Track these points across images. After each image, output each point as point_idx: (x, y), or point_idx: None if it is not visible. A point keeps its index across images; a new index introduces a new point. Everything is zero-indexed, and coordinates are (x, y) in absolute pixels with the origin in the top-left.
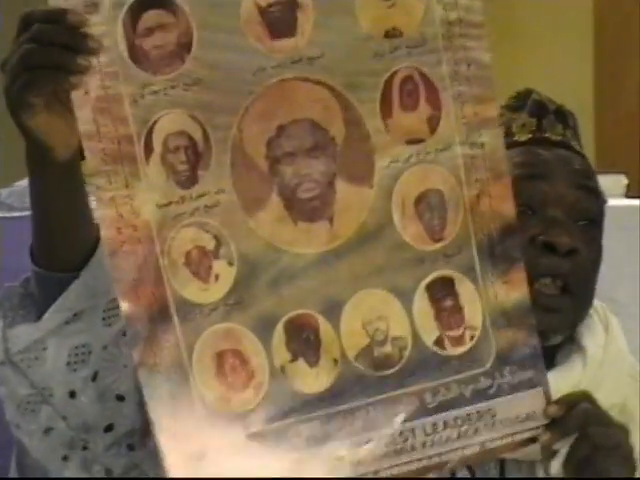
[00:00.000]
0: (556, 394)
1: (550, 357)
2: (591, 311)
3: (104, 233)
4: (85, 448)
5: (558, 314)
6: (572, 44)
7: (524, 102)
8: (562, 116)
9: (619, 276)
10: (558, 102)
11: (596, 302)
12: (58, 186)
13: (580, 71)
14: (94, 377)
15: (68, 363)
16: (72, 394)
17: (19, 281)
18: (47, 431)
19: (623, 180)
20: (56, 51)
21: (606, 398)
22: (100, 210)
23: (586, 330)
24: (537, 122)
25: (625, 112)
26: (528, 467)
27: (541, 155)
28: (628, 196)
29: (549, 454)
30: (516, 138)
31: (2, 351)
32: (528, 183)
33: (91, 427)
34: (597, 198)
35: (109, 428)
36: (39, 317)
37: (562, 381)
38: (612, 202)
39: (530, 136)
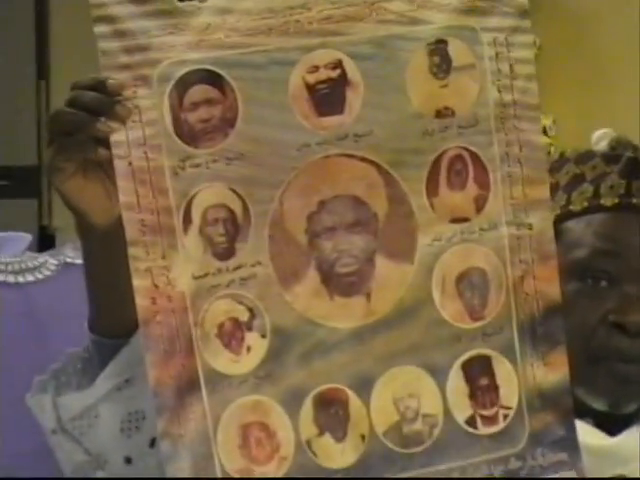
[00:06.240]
0: (622, 461)
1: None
2: None
3: (138, 302)
4: None
5: (632, 384)
6: None
7: (618, 158)
8: None
9: None
10: None
11: None
12: (100, 252)
13: None
14: (151, 444)
15: (122, 429)
16: (128, 460)
17: (82, 346)
18: None
19: None
20: (80, 115)
21: None
22: (136, 280)
23: None
24: (627, 185)
25: None
26: None
27: (624, 226)
28: None
29: None
30: (602, 202)
31: (54, 419)
32: (606, 255)
33: None
34: None
35: None
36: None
37: (628, 447)
38: None
39: (617, 201)
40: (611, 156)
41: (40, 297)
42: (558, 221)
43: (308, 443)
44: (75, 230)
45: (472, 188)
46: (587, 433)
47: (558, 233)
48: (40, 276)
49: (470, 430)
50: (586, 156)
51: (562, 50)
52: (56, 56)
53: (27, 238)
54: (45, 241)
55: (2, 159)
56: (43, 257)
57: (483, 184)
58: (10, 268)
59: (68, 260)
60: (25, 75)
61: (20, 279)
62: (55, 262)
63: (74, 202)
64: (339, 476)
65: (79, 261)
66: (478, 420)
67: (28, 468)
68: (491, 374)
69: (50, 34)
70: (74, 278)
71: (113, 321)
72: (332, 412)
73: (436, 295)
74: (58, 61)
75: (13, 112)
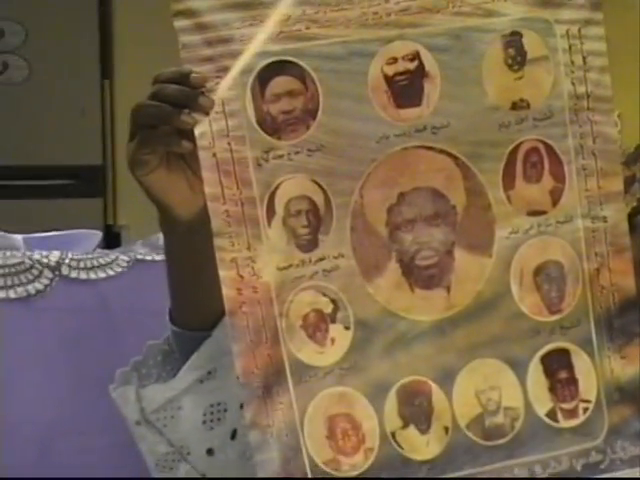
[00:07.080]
0: None
1: None
2: None
3: (225, 293)
4: None
5: None
6: None
7: None
8: None
9: None
10: None
11: None
12: (183, 244)
13: None
14: (233, 435)
15: (204, 421)
16: (210, 452)
17: (163, 338)
18: None
19: None
20: (164, 107)
21: None
22: (222, 271)
23: None
24: None
25: None
26: None
27: None
28: None
29: None
30: None
31: (138, 411)
32: None
33: None
34: None
35: None
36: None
37: None
38: None
39: None
40: None
41: (111, 293)
42: (635, 213)
43: (393, 435)
44: (158, 223)
45: (548, 181)
46: None
47: (636, 225)
48: (111, 273)
49: (551, 423)
50: None
51: (626, 43)
52: (120, 56)
53: (98, 235)
54: (110, 239)
55: (67, 158)
56: (114, 254)
57: (558, 177)
58: (82, 265)
59: (139, 257)
60: (89, 75)
61: (92, 275)
62: (126, 259)
63: (158, 195)
64: (425, 468)
65: (150, 257)
66: (559, 413)
67: (106, 461)
68: (570, 367)
69: (114, 34)
70: (145, 274)
71: (195, 313)
72: (416, 404)
73: (514, 288)
74: (122, 61)
75: (78, 112)
